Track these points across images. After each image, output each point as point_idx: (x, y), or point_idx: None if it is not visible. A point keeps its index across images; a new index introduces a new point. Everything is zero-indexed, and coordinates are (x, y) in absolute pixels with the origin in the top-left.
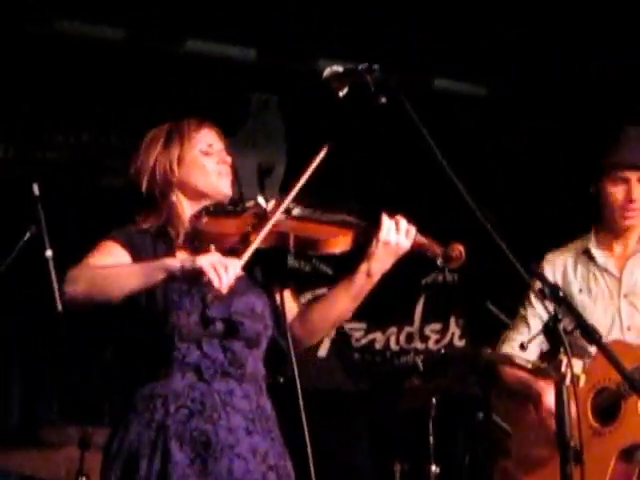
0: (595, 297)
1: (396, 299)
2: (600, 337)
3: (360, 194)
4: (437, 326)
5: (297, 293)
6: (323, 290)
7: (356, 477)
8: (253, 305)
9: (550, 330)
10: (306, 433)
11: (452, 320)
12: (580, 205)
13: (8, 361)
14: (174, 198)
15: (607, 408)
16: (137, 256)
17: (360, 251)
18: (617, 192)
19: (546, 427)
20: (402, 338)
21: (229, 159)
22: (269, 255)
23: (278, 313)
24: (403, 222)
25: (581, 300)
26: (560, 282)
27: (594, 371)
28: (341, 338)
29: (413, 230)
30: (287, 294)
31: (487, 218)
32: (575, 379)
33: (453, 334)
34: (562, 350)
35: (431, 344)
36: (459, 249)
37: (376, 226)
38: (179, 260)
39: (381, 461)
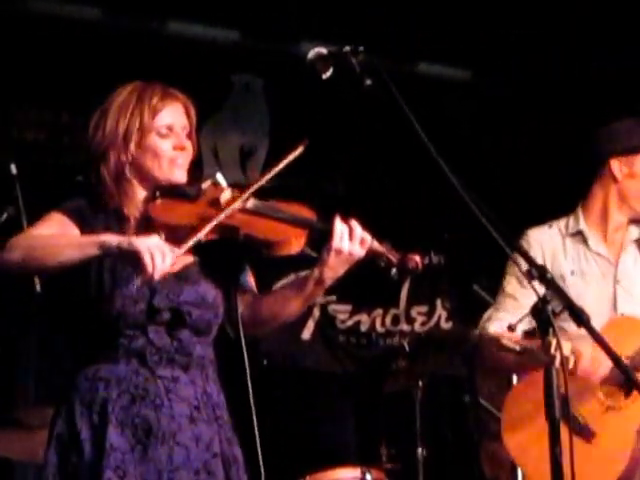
0: (589, 280)
1: (382, 281)
2: (588, 319)
3: (345, 173)
4: (423, 308)
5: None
6: (307, 272)
7: (342, 460)
8: (204, 294)
9: (539, 312)
10: (255, 421)
11: (438, 302)
12: (569, 186)
13: None
14: (128, 177)
15: (621, 383)
16: (86, 231)
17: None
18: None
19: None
20: (388, 320)
21: (187, 143)
22: (223, 245)
23: (232, 301)
24: (357, 229)
25: (574, 282)
26: (549, 262)
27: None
28: (325, 320)
29: (368, 237)
30: (249, 275)
31: (471, 197)
32: (565, 361)
33: (440, 316)
34: (551, 332)
35: (417, 326)
36: (415, 260)
37: (329, 230)
38: (117, 238)
39: (367, 444)
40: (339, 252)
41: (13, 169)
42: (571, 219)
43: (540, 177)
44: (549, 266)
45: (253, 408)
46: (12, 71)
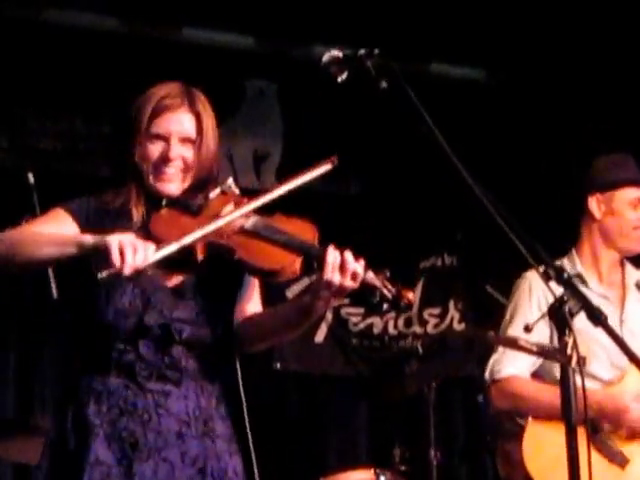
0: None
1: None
2: (606, 319)
3: (358, 174)
4: (436, 310)
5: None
6: None
7: (355, 462)
8: (199, 310)
9: (556, 312)
10: (249, 434)
11: (451, 304)
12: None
13: (4, 349)
14: (134, 180)
15: None
16: (86, 230)
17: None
18: (629, 217)
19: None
20: (400, 322)
21: (177, 152)
22: (220, 262)
23: (230, 314)
24: (350, 261)
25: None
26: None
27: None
28: (338, 323)
29: (360, 270)
30: (252, 288)
31: (490, 201)
32: (581, 361)
33: (452, 318)
34: (568, 332)
35: (430, 328)
36: (409, 298)
37: (322, 260)
38: (93, 237)
39: (381, 446)
40: (330, 284)
41: (30, 178)
42: (565, 261)
43: (555, 177)
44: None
45: (248, 426)
46: (28, 80)
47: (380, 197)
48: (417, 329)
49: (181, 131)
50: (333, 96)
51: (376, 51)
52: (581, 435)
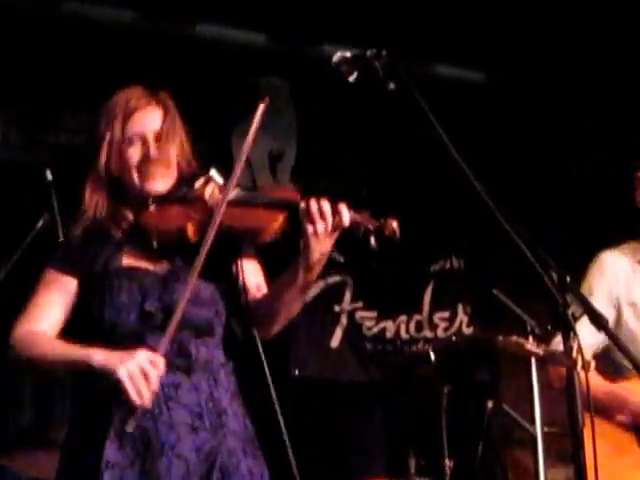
0: None
1: (405, 287)
2: (607, 323)
3: (366, 178)
4: (445, 314)
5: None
6: (335, 278)
7: (370, 469)
8: (198, 290)
9: (560, 316)
10: (283, 429)
11: (460, 307)
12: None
13: None
14: (115, 188)
15: None
16: (83, 272)
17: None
18: (637, 197)
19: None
20: (412, 326)
21: (154, 152)
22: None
23: (235, 296)
24: (325, 205)
25: None
26: (623, 290)
27: None
28: (353, 328)
29: (343, 208)
30: (255, 270)
31: (496, 205)
32: (586, 365)
33: (461, 321)
34: (572, 336)
35: (440, 332)
36: (392, 227)
37: (305, 211)
38: (103, 358)
39: (395, 453)
40: (315, 231)
41: (48, 175)
42: (635, 244)
43: (557, 179)
44: (623, 293)
45: (281, 420)
46: (45, 75)
47: (388, 201)
48: (428, 333)
49: (156, 128)
50: (344, 95)
51: (384, 52)
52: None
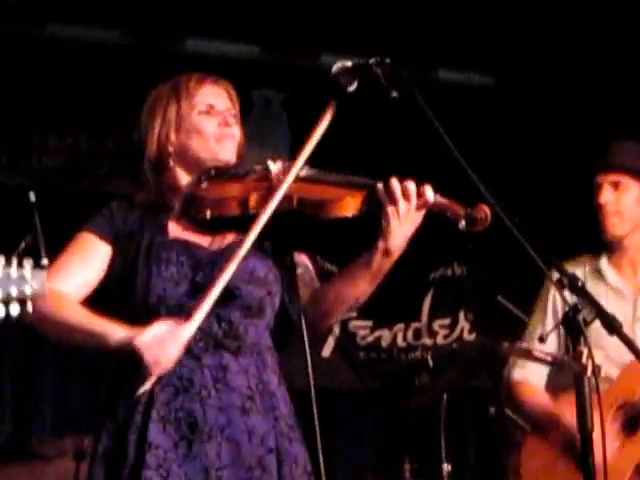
0: None
1: (403, 295)
2: (621, 326)
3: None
4: (446, 321)
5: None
6: None
7: (365, 476)
8: (253, 269)
9: (569, 321)
10: (317, 429)
11: (461, 314)
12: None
13: (1, 372)
14: (171, 167)
15: (628, 421)
16: (118, 240)
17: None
18: (595, 202)
19: (570, 445)
20: (410, 334)
21: (232, 120)
22: (276, 220)
23: (291, 281)
24: (412, 185)
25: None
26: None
27: (619, 387)
28: (346, 337)
29: (428, 190)
30: (306, 266)
31: (503, 209)
32: (596, 370)
33: (463, 328)
34: (582, 341)
35: (440, 339)
36: (484, 210)
37: (387, 191)
38: (120, 335)
39: (390, 460)
40: (397, 213)
41: (32, 197)
42: (596, 254)
43: (563, 184)
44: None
45: (316, 420)
46: (30, 97)
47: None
48: (427, 341)
49: (225, 103)
50: (342, 105)
51: (387, 60)
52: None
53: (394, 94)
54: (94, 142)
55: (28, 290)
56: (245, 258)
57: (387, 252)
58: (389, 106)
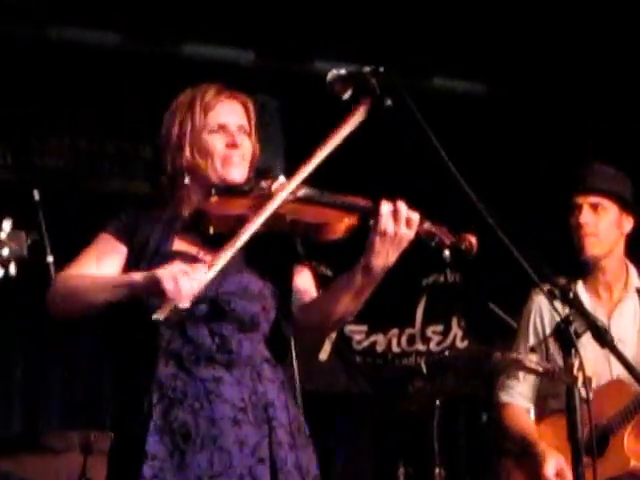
0: (584, 343)
1: (397, 300)
2: (612, 339)
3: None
4: (439, 327)
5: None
6: None
7: (359, 477)
8: (247, 284)
9: (561, 332)
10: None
11: (454, 321)
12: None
13: (10, 367)
14: (187, 184)
15: (597, 442)
16: (133, 243)
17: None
18: (572, 222)
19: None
20: (404, 340)
21: (241, 140)
22: (272, 237)
23: (286, 295)
24: (403, 209)
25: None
26: (549, 325)
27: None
28: (342, 341)
29: (415, 217)
30: (306, 276)
31: (494, 219)
32: (587, 381)
33: (455, 335)
34: (574, 353)
35: (433, 345)
36: (469, 240)
37: (375, 212)
38: (142, 273)
39: (385, 464)
40: (384, 234)
41: (36, 195)
42: (572, 279)
43: (557, 192)
44: (548, 328)
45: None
46: (31, 98)
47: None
48: (420, 347)
49: (237, 120)
50: (337, 113)
51: (381, 69)
52: None
53: (388, 102)
54: (94, 143)
55: (6, 252)
56: (239, 272)
57: (368, 270)
58: (383, 114)
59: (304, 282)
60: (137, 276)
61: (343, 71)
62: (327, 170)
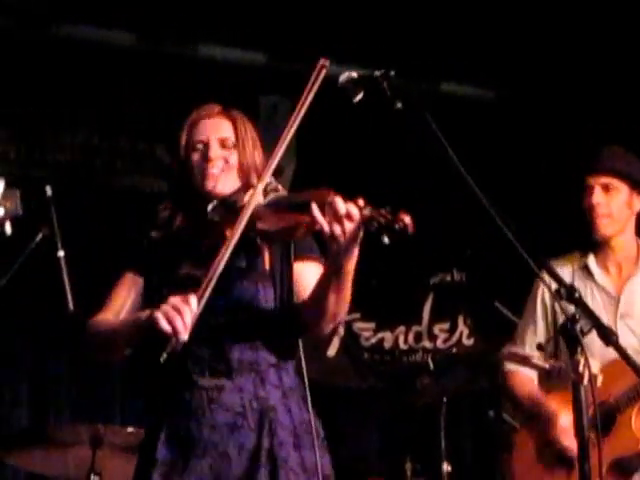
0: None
1: (404, 299)
2: (617, 338)
3: (368, 192)
4: (445, 325)
5: None
6: None
7: (367, 475)
8: (240, 295)
9: (567, 331)
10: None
11: (460, 319)
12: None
13: (18, 360)
14: (186, 199)
15: (603, 421)
16: (148, 275)
17: None
18: (584, 203)
19: (558, 444)
20: (411, 337)
21: (216, 153)
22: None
23: (286, 296)
24: (340, 205)
25: None
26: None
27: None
28: (350, 338)
29: (354, 210)
30: (313, 272)
31: (503, 219)
32: (593, 379)
33: (461, 333)
34: (579, 350)
35: (439, 343)
36: (403, 220)
37: (315, 214)
38: (146, 314)
39: (392, 459)
40: (332, 237)
41: (48, 190)
42: (585, 252)
43: (564, 196)
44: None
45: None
46: (46, 95)
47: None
48: (427, 344)
49: (219, 134)
50: (347, 114)
51: (392, 72)
52: None
53: (398, 105)
54: (107, 140)
55: (1, 212)
56: (236, 282)
57: (337, 270)
58: (393, 117)
59: (309, 278)
60: (144, 316)
61: (355, 74)
62: (327, 170)
